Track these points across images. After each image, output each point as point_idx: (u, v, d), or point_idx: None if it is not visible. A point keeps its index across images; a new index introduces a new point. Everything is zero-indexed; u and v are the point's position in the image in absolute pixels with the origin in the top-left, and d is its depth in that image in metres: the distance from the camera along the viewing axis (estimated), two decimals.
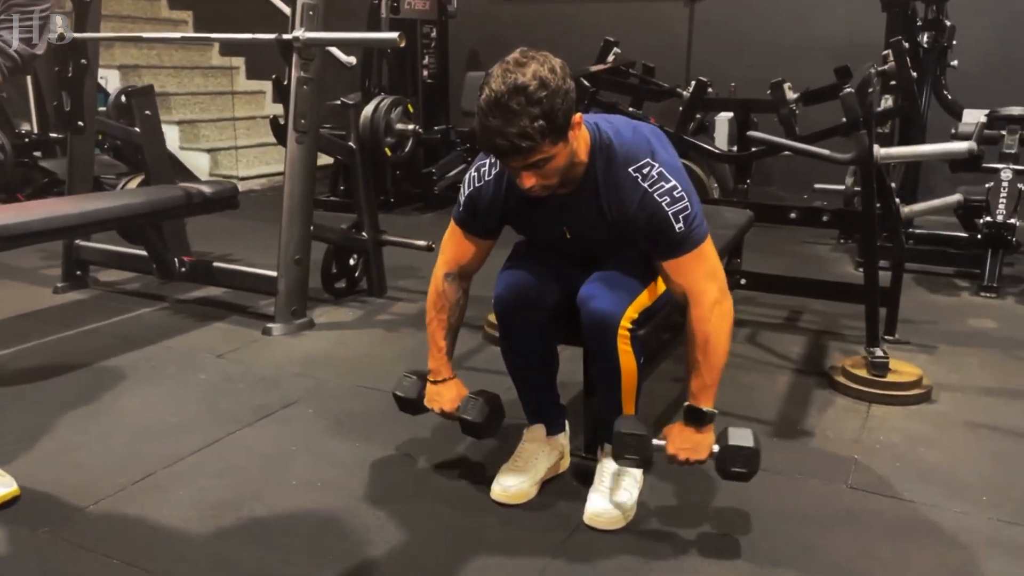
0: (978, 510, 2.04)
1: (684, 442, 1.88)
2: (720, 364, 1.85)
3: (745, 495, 2.10)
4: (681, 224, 1.79)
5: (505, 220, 2.00)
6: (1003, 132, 3.93)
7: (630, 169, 1.80)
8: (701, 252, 1.83)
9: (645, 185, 1.79)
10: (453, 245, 2.06)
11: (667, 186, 1.79)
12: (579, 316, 1.93)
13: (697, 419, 1.87)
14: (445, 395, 2.10)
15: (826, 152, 2.61)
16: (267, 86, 7.51)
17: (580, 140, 1.78)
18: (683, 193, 1.80)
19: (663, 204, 1.78)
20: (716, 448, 1.88)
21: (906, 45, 2.85)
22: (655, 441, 1.89)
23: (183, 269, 3.61)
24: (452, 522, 2.00)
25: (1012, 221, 3.77)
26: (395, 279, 3.92)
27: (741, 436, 1.87)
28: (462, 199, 1.99)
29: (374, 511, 2.03)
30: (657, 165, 1.80)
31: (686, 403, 1.88)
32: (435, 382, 2.12)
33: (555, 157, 1.71)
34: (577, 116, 1.73)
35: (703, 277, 1.83)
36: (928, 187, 5.20)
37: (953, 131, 4.21)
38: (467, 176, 1.98)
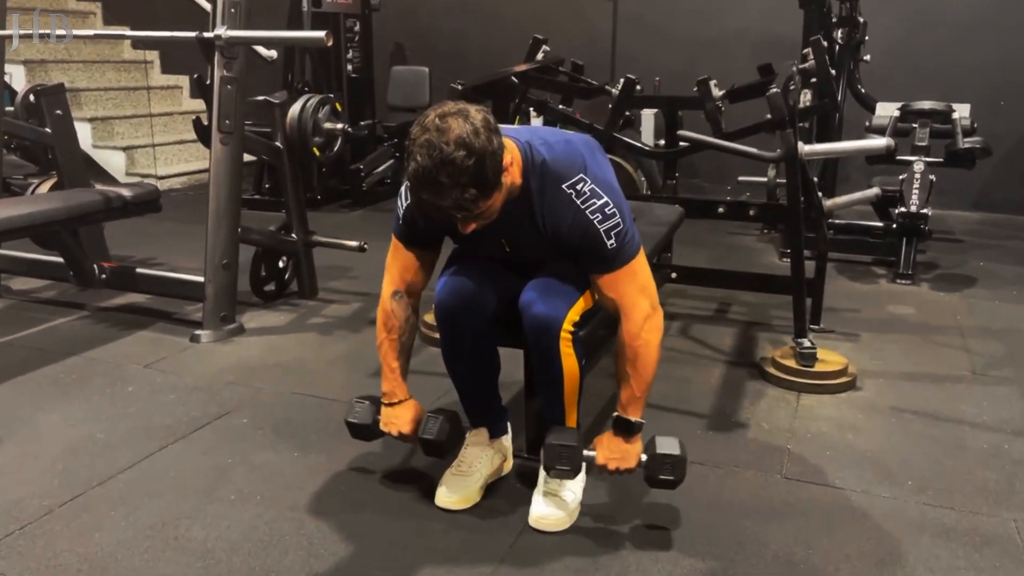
0: (905, 495, 2.13)
1: (613, 452, 1.92)
2: (649, 377, 1.89)
3: (685, 489, 2.13)
4: (613, 241, 1.81)
5: (443, 232, 1.98)
6: (915, 125, 4.09)
7: (564, 186, 1.81)
8: (632, 268, 1.86)
9: (578, 202, 1.80)
10: (397, 262, 2.02)
11: (599, 203, 1.80)
12: (520, 320, 1.94)
13: (626, 429, 1.91)
14: (403, 417, 2.05)
15: (754, 150, 2.68)
16: (184, 80, 7.29)
17: (513, 172, 1.77)
18: (615, 209, 1.81)
19: (595, 221, 1.80)
20: (644, 457, 1.93)
21: (824, 44, 2.93)
22: (585, 452, 1.93)
23: (103, 276, 3.48)
24: (397, 531, 1.98)
25: (925, 211, 3.94)
26: (326, 280, 3.86)
27: (668, 444, 1.93)
28: (400, 212, 1.96)
29: (317, 523, 2.00)
30: (589, 181, 1.81)
31: (615, 414, 1.92)
32: (390, 404, 2.06)
33: (491, 205, 1.72)
34: (507, 158, 1.72)
35: (635, 292, 1.86)
36: (844, 176, 5.40)
37: (867, 124, 4.37)
38: (402, 189, 1.94)
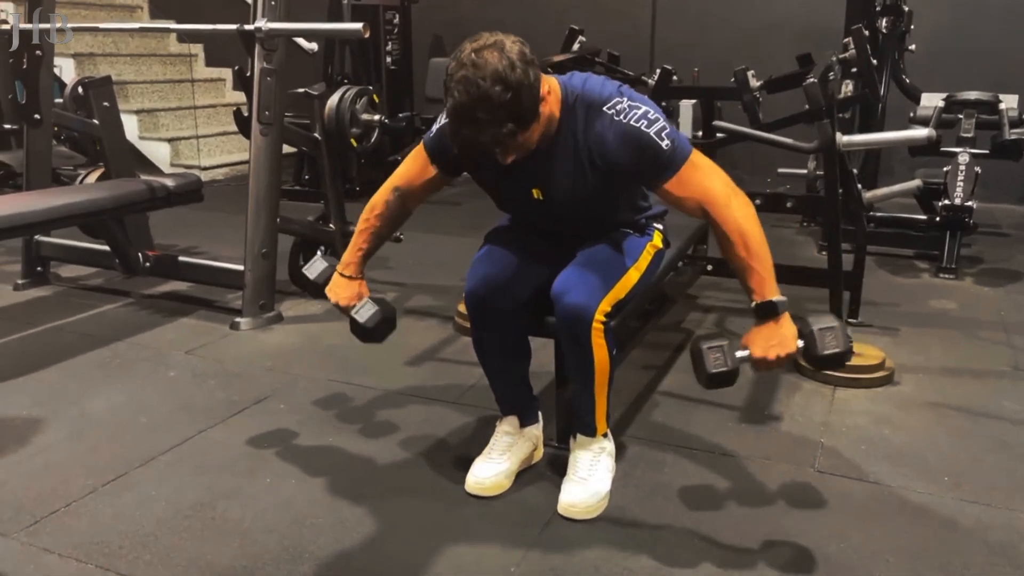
0: (941, 490, 2.10)
1: (769, 339, 1.73)
2: (765, 251, 1.77)
3: (715, 481, 2.14)
4: (667, 142, 1.79)
5: (471, 170, 1.99)
6: (960, 116, 4.00)
7: (604, 108, 1.82)
8: (694, 162, 1.82)
9: (620, 119, 1.80)
10: (413, 165, 2.05)
11: (640, 112, 1.80)
12: (551, 309, 1.95)
13: (771, 311, 1.74)
14: (346, 290, 2.09)
15: (790, 141, 2.65)
16: (227, 73, 7.42)
17: (551, 101, 1.78)
18: (657, 115, 1.81)
19: (642, 127, 1.79)
20: (800, 341, 1.75)
21: (866, 33, 2.89)
22: (738, 353, 1.75)
23: (147, 264, 3.56)
24: (427, 516, 2.01)
25: (969, 204, 3.85)
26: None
27: (823, 320, 1.75)
28: (435, 128, 1.97)
29: (349, 507, 2.04)
30: (626, 99, 1.82)
31: (754, 304, 1.77)
32: (342, 275, 2.11)
33: (530, 136, 1.74)
34: (544, 88, 1.73)
35: (708, 180, 1.81)
36: (887, 168, 5.30)
37: (911, 115, 4.28)
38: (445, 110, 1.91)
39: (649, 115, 1.80)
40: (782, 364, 1.74)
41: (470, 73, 1.63)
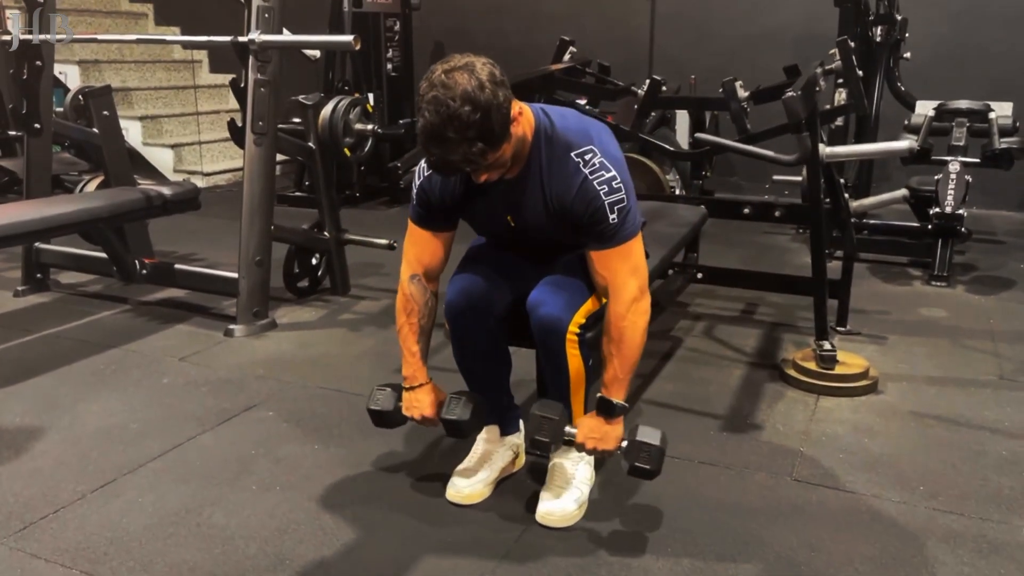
0: (916, 499, 2.12)
1: (593, 432, 1.92)
2: (633, 359, 1.90)
3: (693, 490, 2.17)
4: (615, 216, 1.83)
5: (460, 210, 2.02)
6: (952, 125, 4.02)
7: (572, 154, 1.84)
8: (628, 248, 1.87)
9: (586, 171, 1.82)
10: (413, 245, 2.06)
11: (607, 176, 1.83)
12: (529, 320, 1.98)
13: (607, 410, 1.91)
14: (424, 400, 2.04)
15: (770, 153, 2.67)
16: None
17: (524, 123, 1.81)
18: (621, 184, 1.84)
19: (601, 193, 1.82)
20: (624, 443, 1.93)
21: (852, 44, 2.91)
22: (568, 428, 1.94)
23: (144, 271, 3.62)
24: (407, 524, 2.04)
25: (960, 212, 3.87)
26: (358, 277, 3.95)
27: (649, 434, 1.92)
28: (414, 195, 2.01)
29: (331, 515, 2.07)
30: (599, 154, 1.84)
31: (599, 394, 1.93)
32: (411, 388, 2.06)
33: (501, 156, 1.76)
34: (515, 109, 1.76)
35: (626, 272, 1.88)
36: (884, 175, 5.32)
37: (906, 123, 4.31)
38: (416, 170, 1.99)
39: (613, 183, 1.82)
40: (600, 456, 1.98)
41: (440, 93, 1.66)
